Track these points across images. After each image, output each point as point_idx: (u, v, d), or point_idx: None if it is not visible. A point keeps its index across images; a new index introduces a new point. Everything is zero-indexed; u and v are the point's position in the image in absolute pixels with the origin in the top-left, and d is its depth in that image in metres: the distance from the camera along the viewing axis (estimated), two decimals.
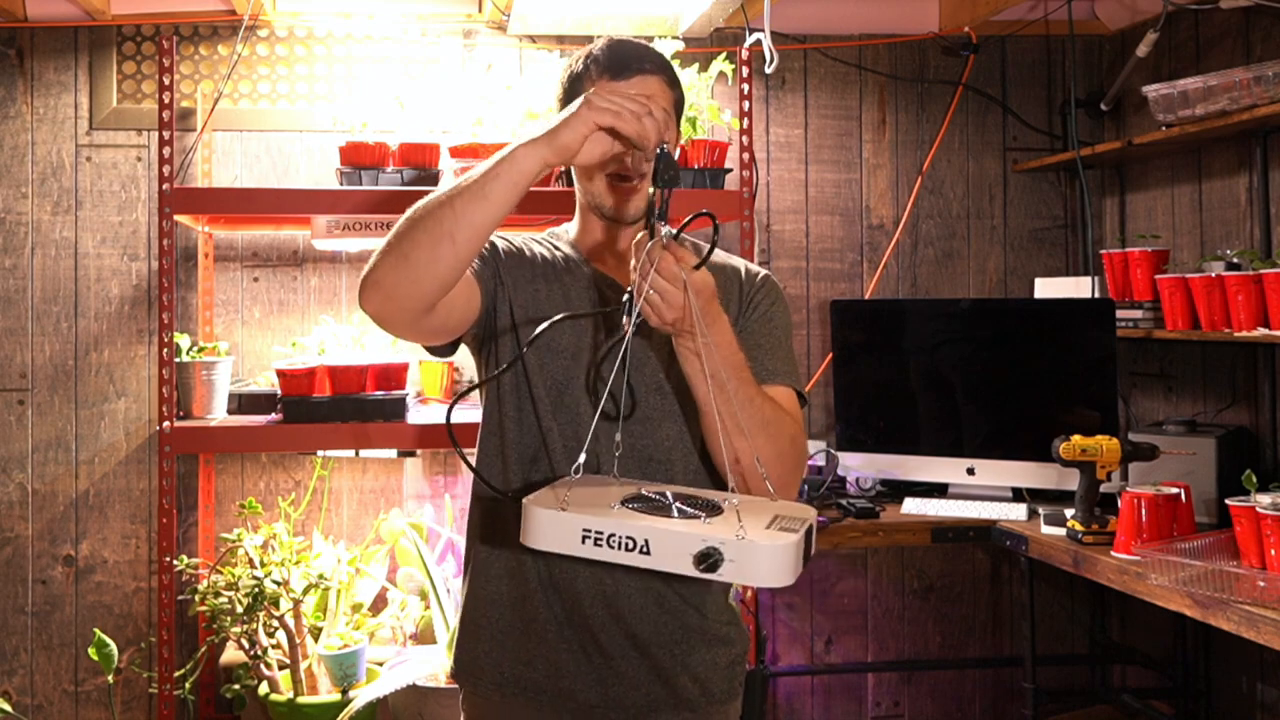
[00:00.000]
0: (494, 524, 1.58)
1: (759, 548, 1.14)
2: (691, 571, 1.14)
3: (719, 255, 1.63)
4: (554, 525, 1.17)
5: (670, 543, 1.15)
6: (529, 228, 1.73)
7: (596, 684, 1.53)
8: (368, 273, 1.35)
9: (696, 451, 1.55)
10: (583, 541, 1.17)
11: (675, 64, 2.82)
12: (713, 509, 1.24)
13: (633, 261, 1.29)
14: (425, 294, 1.34)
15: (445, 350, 1.58)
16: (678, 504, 1.24)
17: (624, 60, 1.52)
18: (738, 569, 1.14)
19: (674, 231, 1.28)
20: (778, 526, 1.19)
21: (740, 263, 1.66)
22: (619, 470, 1.33)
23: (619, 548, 1.16)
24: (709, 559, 1.14)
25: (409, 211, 1.34)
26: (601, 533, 1.16)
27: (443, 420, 2.60)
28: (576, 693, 1.54)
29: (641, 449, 1.52)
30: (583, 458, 1.29)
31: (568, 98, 1.56)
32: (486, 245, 1.57)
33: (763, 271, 1.66)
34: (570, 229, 1.66)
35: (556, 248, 1.62)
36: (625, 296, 1.30)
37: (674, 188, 1.31)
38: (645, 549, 1.16)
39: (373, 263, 1.35)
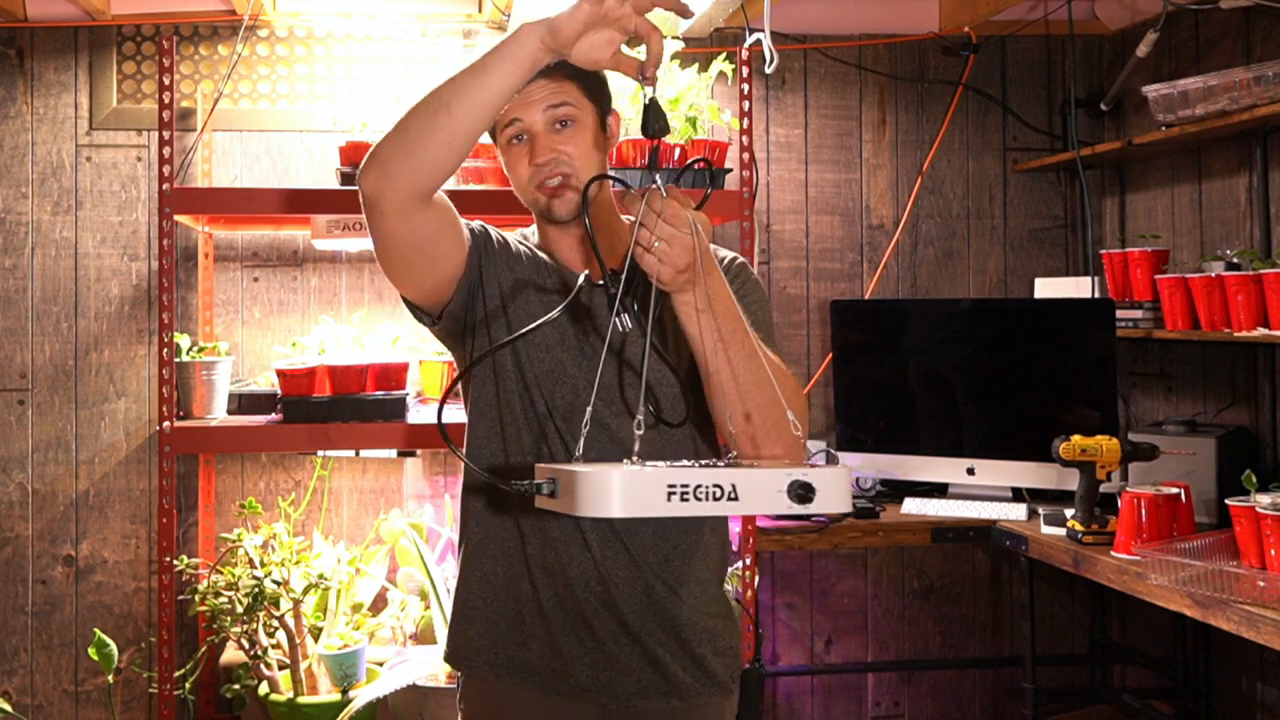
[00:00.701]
0: (489, 506, 1.59)
1: (838, 473, 1.17)
2: (783, 507, 1.16)
3: None
4: (634, 486, 1.15)
5: (758, 483, 1.16)
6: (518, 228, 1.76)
7: (589, 667, 1.55)
8: (370, 151, 1.39)
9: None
10: (669, 498, 1.15)
11: (675, 64, 2.84)
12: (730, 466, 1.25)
13: (637, 233, 1.29)
14: (419, 170, 1.36)
15: (427, 316, 1.59)
16: (699, 463, 1.24)
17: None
18: (823, 499, 1.16)
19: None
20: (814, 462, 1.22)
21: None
22: (584, 445, 1.29)
23: (706, 498, 1.15)
24: (802, 490, 1.15)
25: (403, 119, 1.40)
26: (688, 485, 1.15)
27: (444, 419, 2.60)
28: (570, 675, 1.55)
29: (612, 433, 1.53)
30: (641, 418, 1.25)
31: None
32: (478, 228, 1.60)
33: (732, 254, 1.65)
34: (533, 232, 1.68)
35: (528, 245, 1.65)
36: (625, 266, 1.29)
37: (664, 137, 1.31)
38: (733, 494, 1.16)
39: (377, 142, 1.39)
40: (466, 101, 1.33)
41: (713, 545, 1.62)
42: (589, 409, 1.28)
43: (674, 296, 1.34)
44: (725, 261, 1.63)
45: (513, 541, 1.57)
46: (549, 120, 1.52)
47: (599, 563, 1.52)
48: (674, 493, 1.15)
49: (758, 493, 1.16)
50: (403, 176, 1.36)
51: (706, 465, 1.22)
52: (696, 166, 1.51)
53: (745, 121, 2.78)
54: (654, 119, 1.30)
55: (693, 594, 1.57)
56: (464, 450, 1.59)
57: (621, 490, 1.14)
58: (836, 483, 1.18)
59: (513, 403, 1.56)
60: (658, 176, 1.28)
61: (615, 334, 1.42)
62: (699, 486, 1.15)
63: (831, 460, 3.18)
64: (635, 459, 1.21)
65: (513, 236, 1.65)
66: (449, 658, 1.65)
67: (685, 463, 1.23)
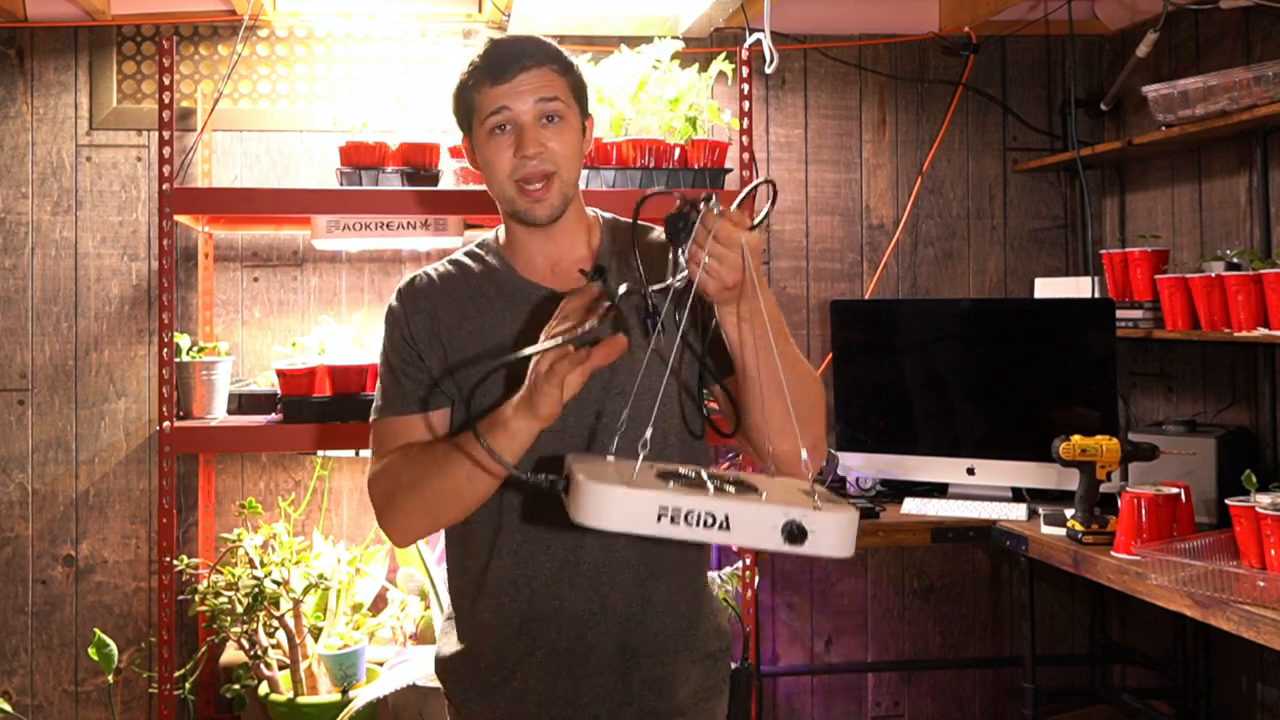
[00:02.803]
0: (470, 578, 1.57)
1: (836, 518, 1.15)
2: (774, 545, 1.14)
3: (660, 235, 1.59)
4: (625, 503, 1.13)
5: (752, 517, 1.14)
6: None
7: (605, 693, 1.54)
8: (394, 533, 1.49)
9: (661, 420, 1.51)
10: (658, 519, 1.13)
11: (675, 64, 2.84)
12: (744, 486, 1.23)
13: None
14: (441, 524, 1.51)
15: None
16: (714, 483, 1.22)
17: (504, 61, 1.47)
18: (816, 540, 1.14)
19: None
20: (825, 499, 1.19)
21: None
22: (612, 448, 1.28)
23: (697, 524, 1.14)
24: (794, 531, 1.14)
25: (415, 480, 1.44)
26: (679, 509, 1.13)
27: None
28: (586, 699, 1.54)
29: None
30: (649, 431, 1.24)
31: (459, 109, 1.54)
32: (399, 322, 1.55)
33: None
34: (501, 234, 1.62)
35: (481, 262, 1.59)
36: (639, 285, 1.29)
37: (686, 243, 1.29)
38: (725, 524, 1.14)
39: (395, 525, 1.48)
40: (486, 490, 1.42)
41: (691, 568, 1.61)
42: (625, 411, 1.33)
43: (718, 306, 1.34)
44: None
45: (494, 609, 1.54)
46: (538, 113, 1.47)
47: (579, 601, 1.51)
48: (664, 515, 1.13)
49: (750, 527, 1.14)
50: (426, 529, 1.50)
51: (716, 478, 1.21)
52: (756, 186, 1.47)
53: (745, 121, 2.78)
54: (681, 228, 1.28)
55: (668, 613, 1.55)
56: None
57: (603, 504, 1.14)
58: (836, 527, 1.15)
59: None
60: (714, 195, 1.27)
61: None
62: (690, 512, 1.13)
63: (831, 460, 3.18)
64: (613, 456, 1.23)
65: (438, 268, 1.59)
66: (446, 694, 1.63)
67: (687, 472, 1.22)
